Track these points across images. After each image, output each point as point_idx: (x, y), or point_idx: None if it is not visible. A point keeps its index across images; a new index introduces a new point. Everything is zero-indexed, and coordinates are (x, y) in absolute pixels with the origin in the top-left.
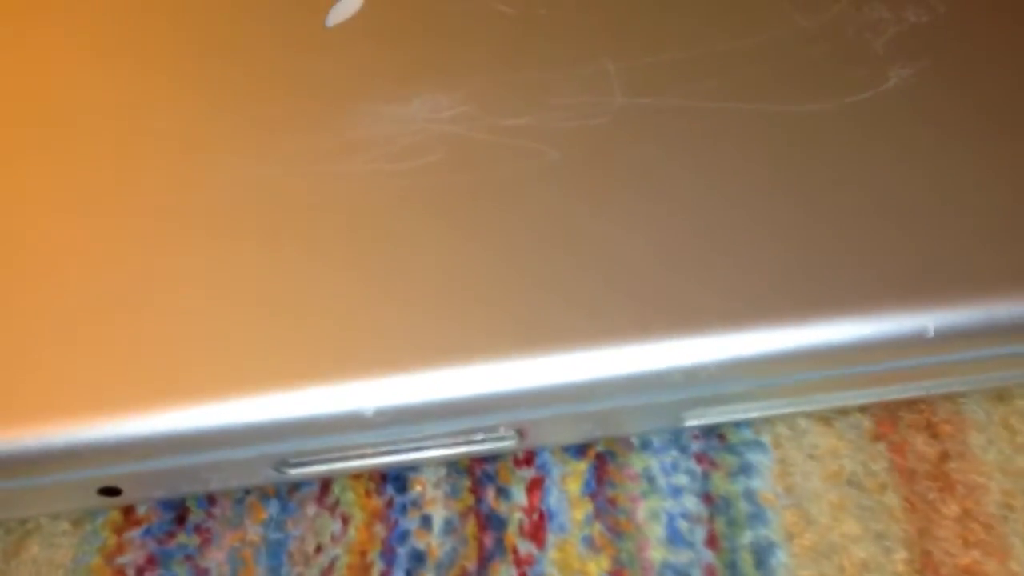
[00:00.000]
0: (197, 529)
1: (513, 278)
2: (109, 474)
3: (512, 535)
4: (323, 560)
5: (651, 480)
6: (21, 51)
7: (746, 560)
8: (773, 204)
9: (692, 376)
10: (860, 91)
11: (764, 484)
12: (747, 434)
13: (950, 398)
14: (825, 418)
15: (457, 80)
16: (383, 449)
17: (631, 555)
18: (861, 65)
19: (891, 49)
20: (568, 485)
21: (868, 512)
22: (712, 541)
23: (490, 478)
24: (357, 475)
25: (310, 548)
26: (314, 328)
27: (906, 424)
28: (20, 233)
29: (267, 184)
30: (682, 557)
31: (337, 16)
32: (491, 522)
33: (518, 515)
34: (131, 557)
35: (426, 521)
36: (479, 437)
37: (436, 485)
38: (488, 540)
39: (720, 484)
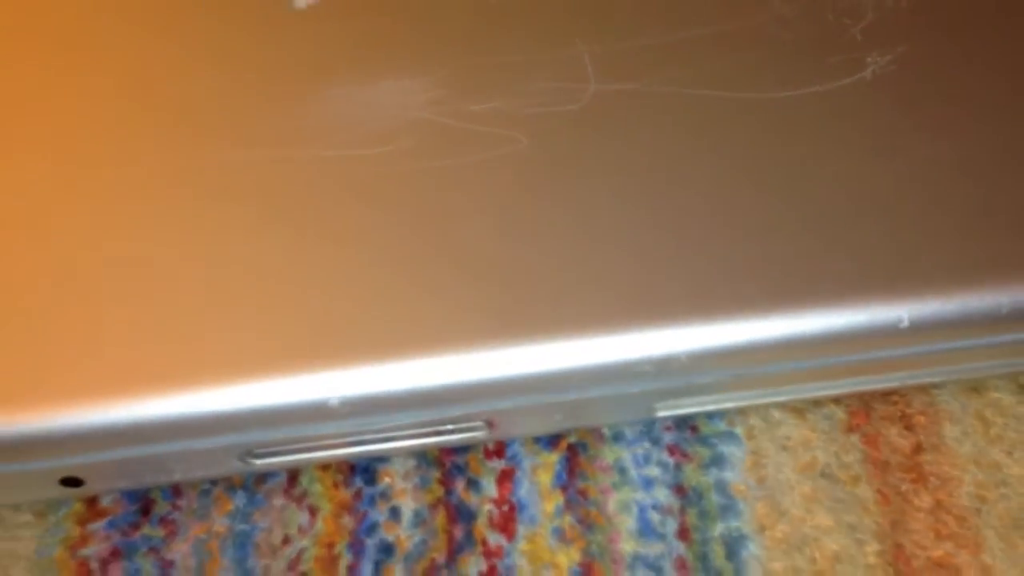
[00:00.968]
0: (162, 521)
1: (482, 266)
2: (70, 464)
3: (482, 527)
4: (290, 552)
5: (623, 472)
6: None
7: (717, 552)
8: (747, 193)
9: (663, 366)
10: (837, 78)
11: (736, 476)
12: (720, 425)
13: (925, 390)
14: (798, 409)
15: (428, 65)
16: (350, 440)
17: (601, 547)
18: (839, 52)
19: (869, 36)
20: (539, 477)
21: (841, 504)
22: (683, 533)
23: (460, 470)
24: (325, 466)
25: (277, 540)
26: (279, 316)
27: (880, 416)
28: None
29: (231, 170)
30: (653, 549)
31: None
32: (461, 514)
33: (488, 507)
34: (95, 549)
35: (395, 513)
36: (448, 428)
37: (405, 477)
38: (458, 532)
39: (692, 476)
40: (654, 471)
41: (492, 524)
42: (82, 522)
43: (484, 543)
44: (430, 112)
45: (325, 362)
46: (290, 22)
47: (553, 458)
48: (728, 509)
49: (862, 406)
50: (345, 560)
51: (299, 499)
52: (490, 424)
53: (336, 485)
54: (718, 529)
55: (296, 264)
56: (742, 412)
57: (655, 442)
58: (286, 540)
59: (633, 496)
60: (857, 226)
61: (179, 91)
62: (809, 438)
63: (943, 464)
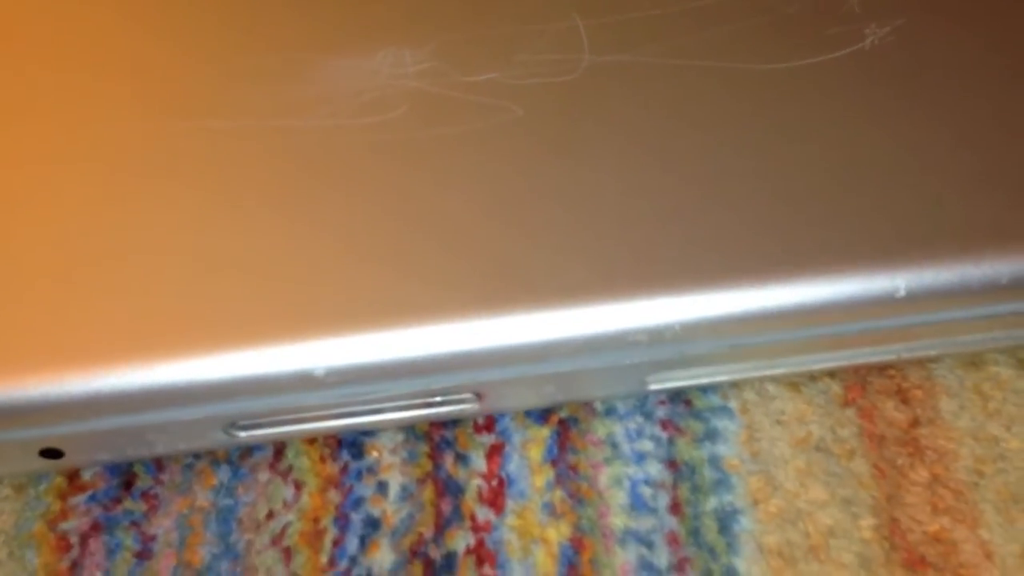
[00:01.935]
0: (144, 495)
1: (473, 235)
2: (51, 434)
3: (470, 501)
4: (274, 526)
5: (615, 446)
6: None
7: (709, 527)
8: (742, 162)
9: (657, 336)
10: (835, 49)
11: (730, 450)
12: (714, 400)
13: (922, 364)
14: (794, 384)
15: (423, 35)
16: (337, 412)
17: (592, 522)
18: (838, 23)
19: (868, 8)
20: (529, 451)
21: (836, 478)
22: (675, 507)
23: (449, 444)
24: (311, 440)
25: (261, 514)
26: (265, 285)
27: (876, 390)
28: None
29: (224, 138)
30: (644, 523)
31: None
32: (449, 488)
33: (477, 481)
34: (75, 523)
35: (382, 487)
36: (436, 400)
37: (393, 451)
38: (445, 506)
39: (685, 450)
40: (647, 445)
41: (481, 499)
42: (63, 496)
43: (472, 518)
44: (424, 82)
45: (311, 331)
46: None
47: (544, 432)
48: (721, 483)
49: (858, 380)
50: (331, 534)
51: (284, 473)
52: (479, 396)
53: (323, 459)
54: (711, 503)
55: (283, 233)
56: (736, 386)
57: (648, 416)
58: (270, 515)
59: (625, 471)
60: (854, 195)
61: (171, 61)
62: (804, 412)
63: (940, 438)
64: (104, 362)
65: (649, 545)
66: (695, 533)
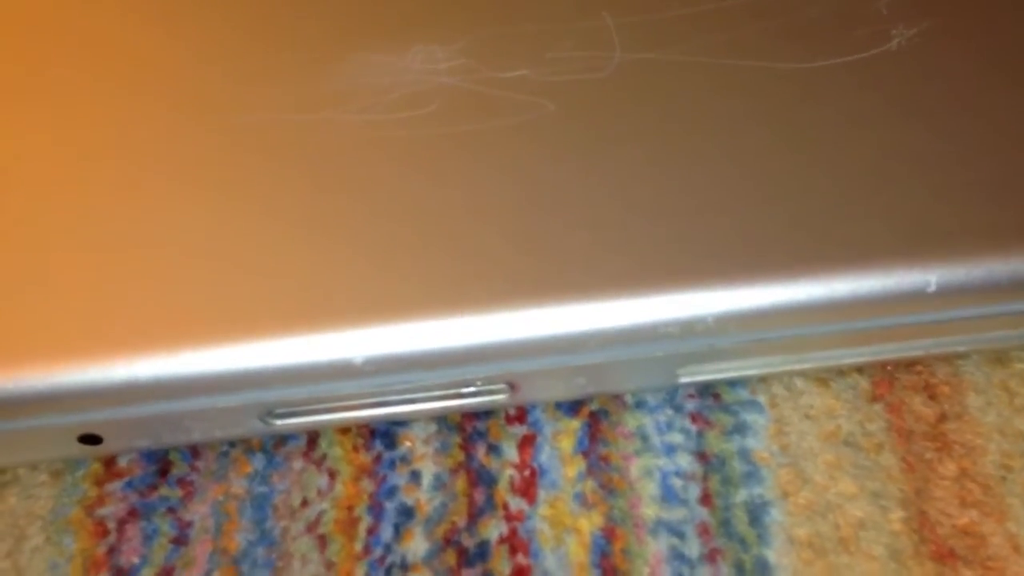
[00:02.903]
0: (180, 482)
1: (507, 229)
2: (90, 420)
3: (503, 491)
4: (309, 514)
5: (645, 438)
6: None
7: (740, 518)
8: (773, 159)
9: (689, 328)
10: (862, 50)
11: (759, 443)
12: (743, 394)
13: (949, 360)
14: (822, 379)
15: (454, 31)
16: (372, 401)
17: (623, 512)
18: (864, 24)
19: (895, 9)
20: (560, 442)
21: (864, 471)
22: (706, 499)
23: (481, 435)
24: (345, 430)
25: (296, 502)
26: (306, 274)
27: (903, 385)
28: None
29: (261, 132)
30: (675, 514)
31: None
32: (481, 478)
33: (509, 471)
34: (112, 509)
35: (415, 476)
36: (470, 390)
37: (426, 442)
38: (478, 496)
39: (715, 443)
40: (677, 438)
41: (513, 488)
42: (99, 482)
43: (505, 507)
44: (457, 78)
45: (351, 320)
46: None
47: (575, 424)
48: (751, 476)
49: (886, 376)
50: (365, 523)
51: (318, 462)
52: (512, 387)
53: (356, 449)
54: (741, 495)
55: (324, 223)
56: (765, 381)
57: (677, 409)
58: (305, 502)
59: (655, 462)
60: (884, 191)
61: (202, 57)
62: (833, 407)
63: (967, 433)
64: (145, 349)
65: (680, 536)
66: (726, 524)
